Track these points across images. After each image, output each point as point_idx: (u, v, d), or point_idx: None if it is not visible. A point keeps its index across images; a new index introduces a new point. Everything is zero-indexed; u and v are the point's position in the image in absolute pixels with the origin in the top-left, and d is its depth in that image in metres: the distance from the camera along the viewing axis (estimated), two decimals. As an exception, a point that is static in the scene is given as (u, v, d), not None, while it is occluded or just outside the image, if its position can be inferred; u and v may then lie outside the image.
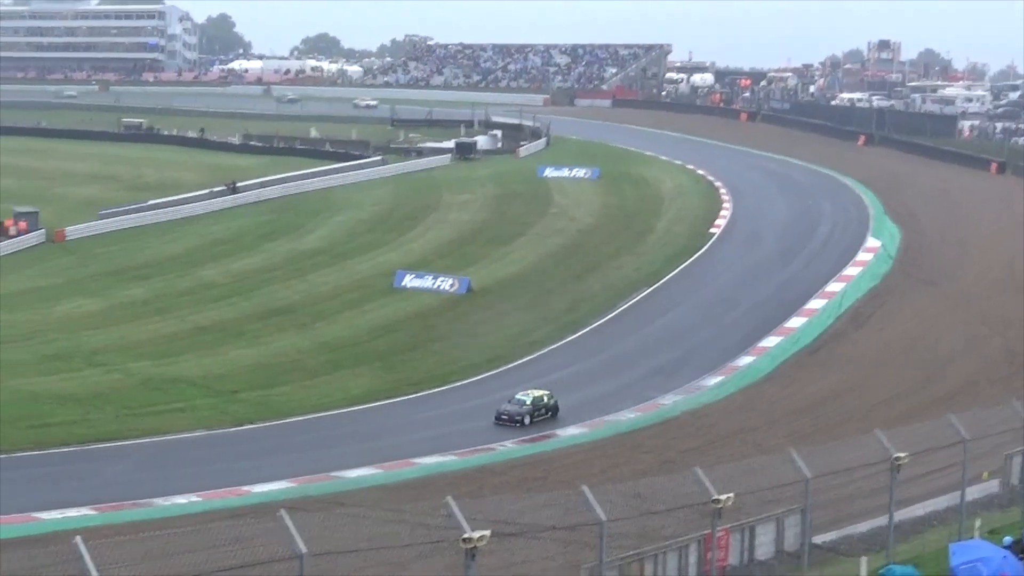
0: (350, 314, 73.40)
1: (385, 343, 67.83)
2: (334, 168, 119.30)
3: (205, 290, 79.59)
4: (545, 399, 54.51)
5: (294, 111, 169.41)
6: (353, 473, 46.67)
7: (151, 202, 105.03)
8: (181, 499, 43.14)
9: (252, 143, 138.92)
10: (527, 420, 53.32)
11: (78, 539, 19.98)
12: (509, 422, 53.35)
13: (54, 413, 54.73)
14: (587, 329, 69.60)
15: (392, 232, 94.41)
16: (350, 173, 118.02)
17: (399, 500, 38.28)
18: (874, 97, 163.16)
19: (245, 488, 44.87)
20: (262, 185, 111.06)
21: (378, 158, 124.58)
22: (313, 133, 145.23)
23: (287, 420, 54.57)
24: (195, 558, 24.81)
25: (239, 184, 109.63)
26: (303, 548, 21.64)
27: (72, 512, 41.04)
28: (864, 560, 28.24)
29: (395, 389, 59.98)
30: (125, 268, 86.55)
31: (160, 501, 42.78)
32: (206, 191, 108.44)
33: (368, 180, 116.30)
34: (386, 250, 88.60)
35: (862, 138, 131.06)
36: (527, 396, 54.45)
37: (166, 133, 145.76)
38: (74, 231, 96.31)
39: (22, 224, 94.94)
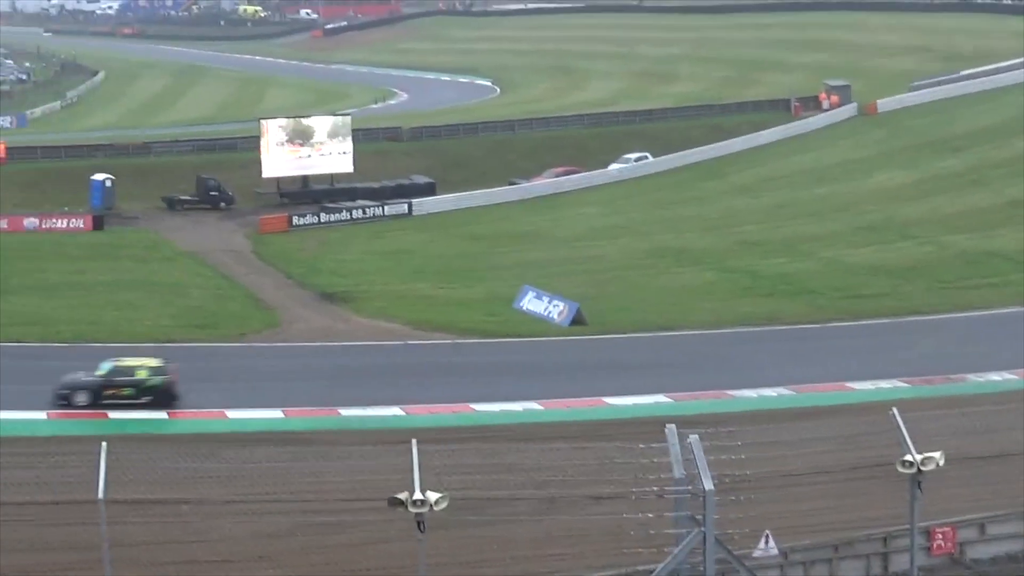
0: None
1: None
2: None
3: (1022, 162, 76.19)
4: (140, 373, 37.80)
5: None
6: None
7: (964, 72, 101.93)
8: (995, 376, 41.51)
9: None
10: (81, 399, 37.17)
11: (894, 410, 19.38)
12: (60, 400, 37.27)
13: (867, 284, 54.68)
14: None
15: None
16: None
17: None
18: None
19: (1064, 368, 42.43)
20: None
21: None
22: None
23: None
24: (1015, 436, 23.49)
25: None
26: None
27: (883, 383, 40.65)
28: None
29: None
30: (937, 140, 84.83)
31: (973, 377, 41.40)
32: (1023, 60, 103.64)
33: None
34: None
35: None
36: (108, 365, 38.06)
37: (980, 2, 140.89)
38: (885, 104, 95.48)
39: (834, 98, 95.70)
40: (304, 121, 77.18)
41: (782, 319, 49.43)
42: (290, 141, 74.58)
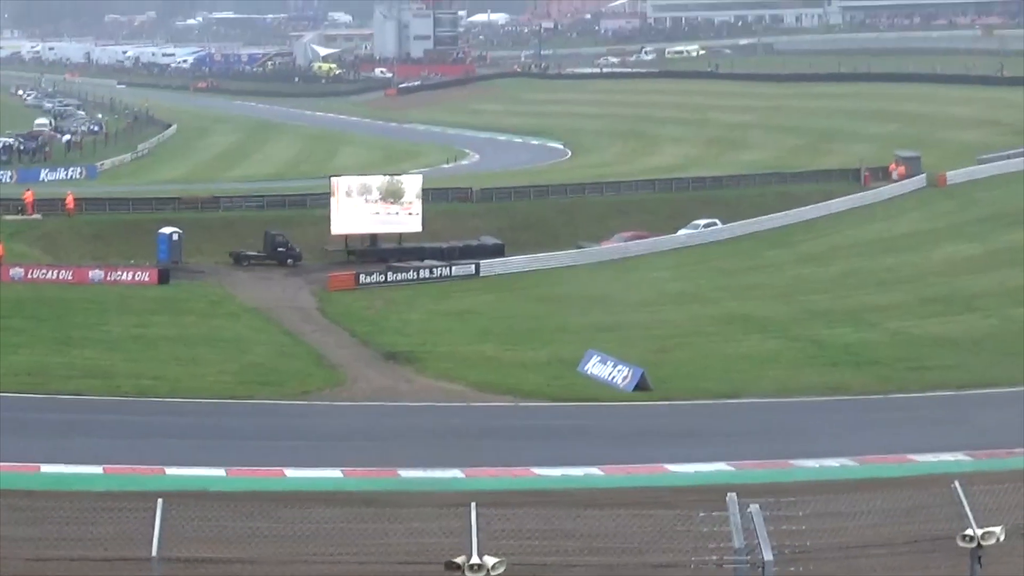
0: None
1: None
2: None
3: (1090, 236, 75.61)
4: None
5: None
6: None
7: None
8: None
9: None
10: None
11: (956, 484, 19.20)
12: None
13: (932, 356, 54.20)
14: None
15: None
16: None
17: None
18: None
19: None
20: None
21: None
22: None
23: None
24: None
25: None
26: None
27: (946, 456, 40.09)
28: None
29: None
30: (1005, 213, 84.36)
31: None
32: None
33: None
34: None
35: None
36: None
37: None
38: (954, 176, 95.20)
39: (902, 169, 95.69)
40: (395, 179, 77.99)
41: (846, 389, 49.02)
42: (383, 200, 75.35)
